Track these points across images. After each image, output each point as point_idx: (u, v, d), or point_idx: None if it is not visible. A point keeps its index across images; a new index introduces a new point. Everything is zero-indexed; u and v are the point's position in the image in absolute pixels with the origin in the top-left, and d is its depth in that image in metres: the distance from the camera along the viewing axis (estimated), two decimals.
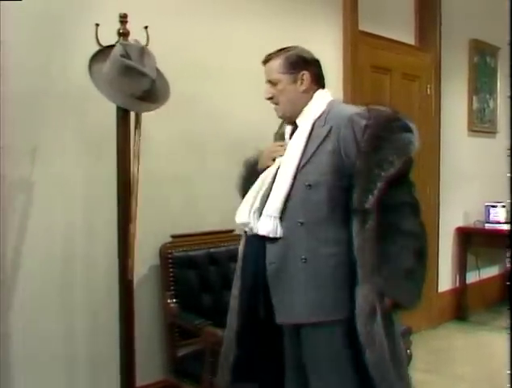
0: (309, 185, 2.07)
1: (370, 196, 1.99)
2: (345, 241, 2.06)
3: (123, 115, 2.38)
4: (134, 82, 2.30)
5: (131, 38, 2.40)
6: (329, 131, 2.09)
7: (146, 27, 2.45)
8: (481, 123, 5.52)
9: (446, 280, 5.11)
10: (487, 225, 5.19)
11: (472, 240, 5.21)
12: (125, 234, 2.39)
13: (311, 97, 2.19)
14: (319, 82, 2.24)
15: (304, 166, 2.09)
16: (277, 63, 2.18)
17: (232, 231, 3.06)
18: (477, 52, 5.40)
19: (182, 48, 2.99)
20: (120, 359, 2.47)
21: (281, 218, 2.10)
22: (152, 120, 2.55)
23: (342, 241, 2.07)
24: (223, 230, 3.10)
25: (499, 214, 5.18)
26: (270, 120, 2.78)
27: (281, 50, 2.21)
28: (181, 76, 2.86)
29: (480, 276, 5.41)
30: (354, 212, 2.03)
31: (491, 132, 5.66)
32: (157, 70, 2.41)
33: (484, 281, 5.43)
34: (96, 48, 2.38)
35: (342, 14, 3.96)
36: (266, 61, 2.23)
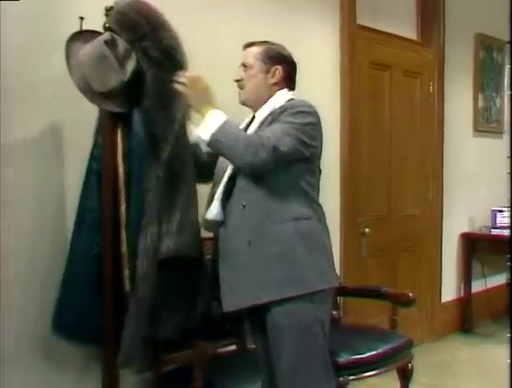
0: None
1: None
2: None
3: (107, 113, 2.41)
4: (104, 75, 2.31)
5: None
6: None
7: None
8: (487, 122, 5.57)
9: (450, 289, 5.16)
10: (493, 231, 5.24)
11: (478, 247, 5.26)
12: (113, 241, 2.41)
13: (275, 94, 2.40)
14: (290, 82, 2.46)
15: None
16: (256, 50, 2.42)
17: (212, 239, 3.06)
18: (483, 47, 5.45)
19: None
20: (102, 375, 2.49)
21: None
22: None
23: None
24: (209, 238, 3.08)
25: (507, 219, 5.22)
26: None
27: (265, 42, 2.45)
28: None
29: (487, 285, 5.45)
30: None
31: (498, 132, 5.70)
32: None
33: (490, 290, 5.47)
34: None
35: (338, 7, 3.99)
36: (248, 46, 2.46)
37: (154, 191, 2.30)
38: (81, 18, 2.41)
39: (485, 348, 4.79)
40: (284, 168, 2.25)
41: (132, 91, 2.33)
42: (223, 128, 2.21)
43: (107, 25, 2.37)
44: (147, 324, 2.34)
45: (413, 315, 4.41)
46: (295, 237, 2.26)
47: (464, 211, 5.26)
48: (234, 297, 2.32)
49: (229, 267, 2.33)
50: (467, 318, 5.22)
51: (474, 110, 5.39)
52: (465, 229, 5.31)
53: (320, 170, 2.43)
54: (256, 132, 2.31)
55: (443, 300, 5.06)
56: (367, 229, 4.14)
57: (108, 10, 2.39)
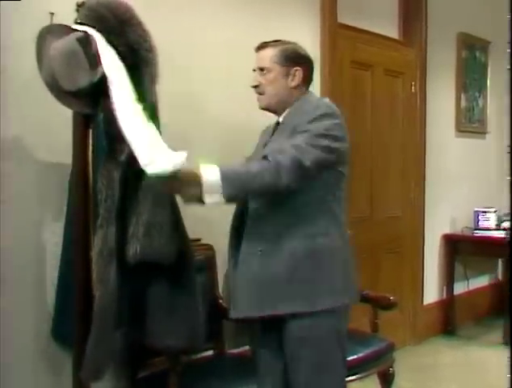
0: None
1: None
2: None
3: (78, 113, 2.35)
4: (73, 73, 2.22)
5: None
6: None
7: None
8: (470, 123, 5.58)
9: (432, 291, 5.16)
10: (476, 232, 5.25)
11: (460, 248, 5.26)
12: (84, 247, 2.36)
13: (298, 96, 2.32)
14: (308, 82, 2.38)
15: None
16: (272, 52, 2.30)
17: (198, 240, 3.03)
18: (466, 46, 5.47)
19: None
20: (73, 383, 2.45)
21: None
22: None
23: None
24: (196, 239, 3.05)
25: (489, 220, 5.23)
26: (244, 118, 2.81)
27: (278, 41, 2.34)
28: None
29: (469, 287, 5.46)
30: None
31: (480, 132, 5.73)
32: None
33: (473, 292, 5.49)
34: None
35: (319, 5, 3.97)
36: (261, 48, 2.34)
37: (107, 192, 2.24)
38: (52, 14, 2.37)
39: (468, 351, 4.80)
40: (311, 182, 2.18)
41: (100, 92, 2.26)
42: (226, 180, 2.01)
43: (78, 21, 2.32)
44: (110, 333, 2.28)
45: (394, 318, 4.39)
46: (309, 254, 2.21)
47: (447, 212, 5.26)
48: (242, 305, 2.29)
49: (240, 274, 2.30)
50: (449, 321, 5.22)
51: (456, 110, 5.40)
52: (447, 230, 5.32)
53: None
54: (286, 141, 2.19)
55: (425, 302, 5.06)
56: (348, 231, 4.10)
57: (79, 5, 2.34)
